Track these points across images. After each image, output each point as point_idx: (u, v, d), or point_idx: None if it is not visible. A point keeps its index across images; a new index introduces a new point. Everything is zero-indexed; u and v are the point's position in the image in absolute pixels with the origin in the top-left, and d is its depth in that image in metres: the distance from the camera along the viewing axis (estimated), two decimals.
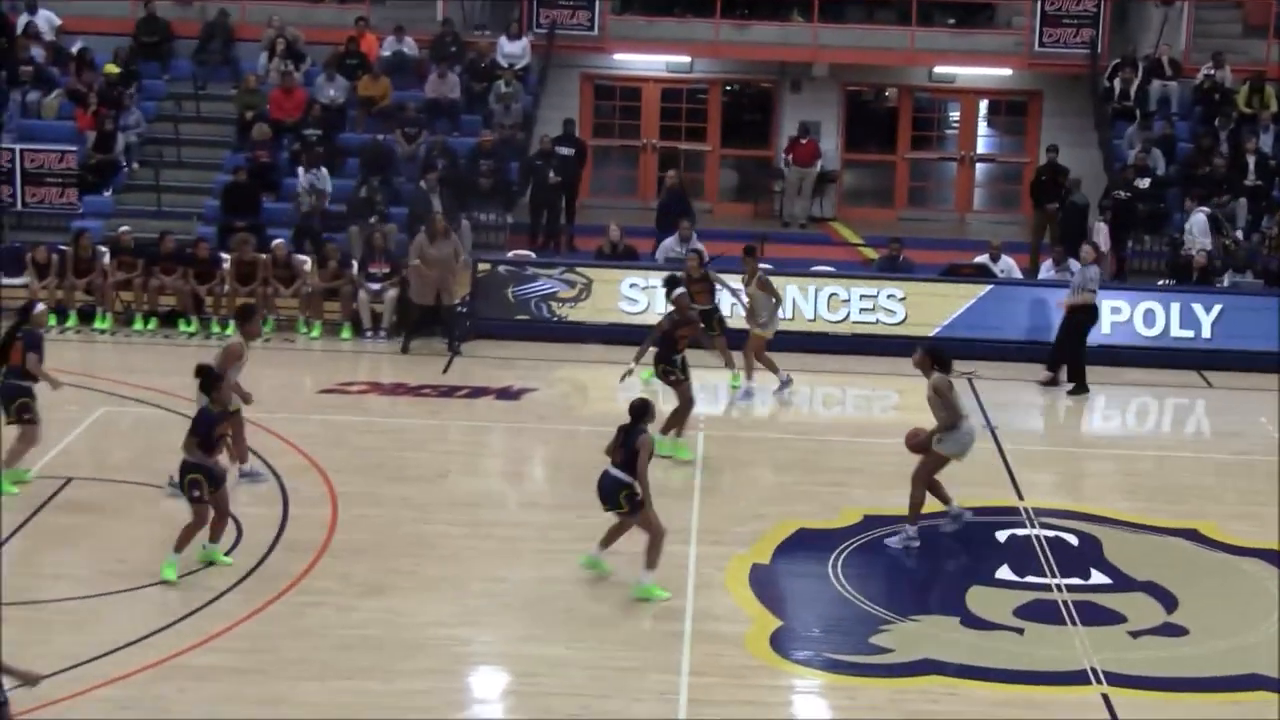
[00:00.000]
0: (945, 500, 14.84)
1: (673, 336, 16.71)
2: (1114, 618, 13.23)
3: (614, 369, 20.60)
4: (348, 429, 17.69)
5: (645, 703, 11.42)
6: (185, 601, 12.74)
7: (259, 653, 11.96)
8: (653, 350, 16.84)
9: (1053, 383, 20.30)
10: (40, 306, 15.92)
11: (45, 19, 27.11)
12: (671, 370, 16.72)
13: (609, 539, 13.52)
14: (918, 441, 14.59)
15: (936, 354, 14.74)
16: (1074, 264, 22.76)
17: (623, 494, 13.06)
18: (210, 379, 13.81)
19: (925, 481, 14.65)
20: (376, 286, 21.84)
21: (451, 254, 21.21)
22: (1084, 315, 20.18)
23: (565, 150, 25.35)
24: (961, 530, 15.09)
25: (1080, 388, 20.11)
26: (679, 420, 16.87)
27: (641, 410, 13.20)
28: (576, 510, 15.21)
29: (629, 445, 13.01)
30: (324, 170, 24.24)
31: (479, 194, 24.81)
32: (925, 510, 14.71)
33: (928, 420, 14.46)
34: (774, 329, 19.48)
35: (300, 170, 24.22)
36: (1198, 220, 23.21)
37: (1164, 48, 26.91)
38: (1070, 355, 20.26)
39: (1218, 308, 21.64)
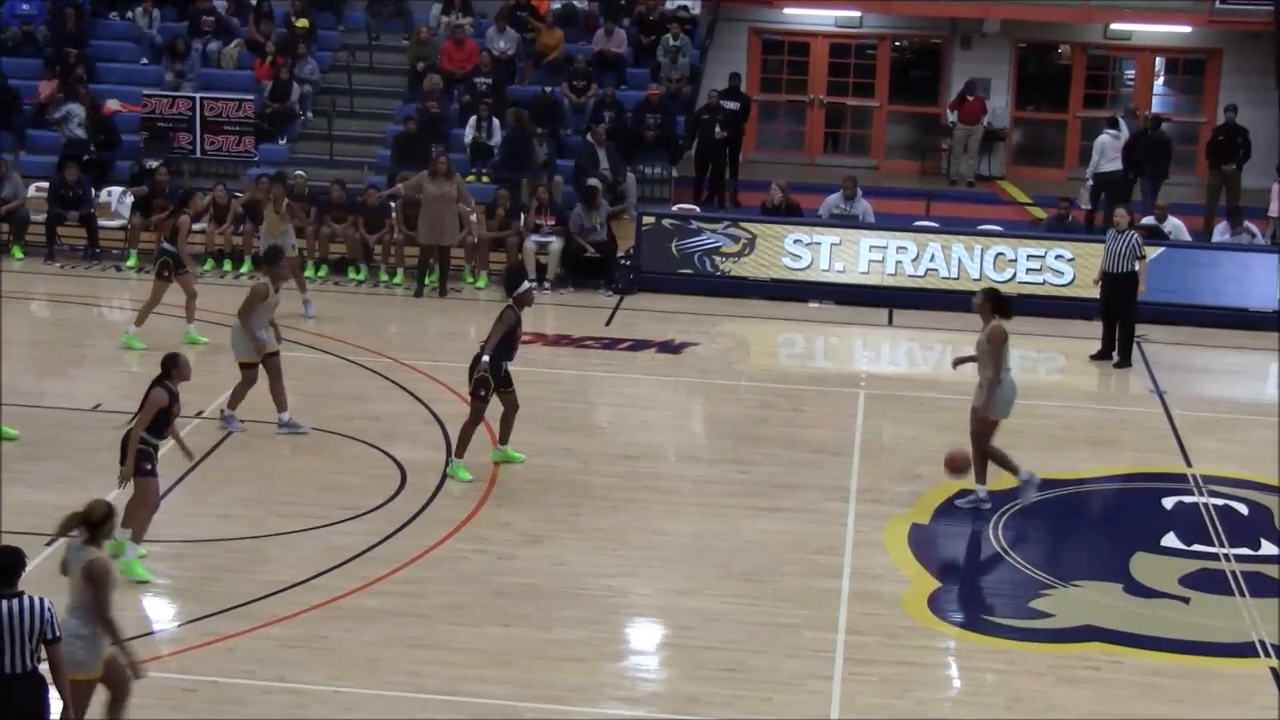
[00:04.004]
0: (1014, 470, 14.35)
1: (515, 335, 14.76)
2: None
3: (777, 325, 20.66)
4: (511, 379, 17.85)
5: (800, 659, 11.42)
6: (351, 545, 12.98)
7: (421, 597, 12.16)
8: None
9: (1105, 356, 19.29)
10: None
11: None
12: (488, 385, 14.54)
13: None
14: (958, 465, 14.11)
15: (999, 300, 14.31)
16: (1251, 225, 22.23)
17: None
18: None
19: (987, 447, 14.24)
20: (543, 238, 22.01)
21: (453, 194, 21.14)
22: (1132, 283, 18.99)
23: (730, 104, 25.27)
24: (1127, 495, 14.82)
25: (1126, 360, 19.14)
26: (507, 428, 15.01)
27: (167, 363, 12.38)
28: (736, 464, 15.25)
29: (143, 398, 12.26)
30: (495, 121, 24.46)
31: (645, 147, 24.86)
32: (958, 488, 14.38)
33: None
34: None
35: (472, 119, 24.41)
36: None
37: None
38: (1126, 327, 19.18)
39: None
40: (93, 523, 9.34)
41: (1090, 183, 24.22)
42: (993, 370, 14.07)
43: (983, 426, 14.27)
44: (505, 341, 14.55)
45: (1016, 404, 14.36)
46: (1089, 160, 24.58)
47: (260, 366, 15.56)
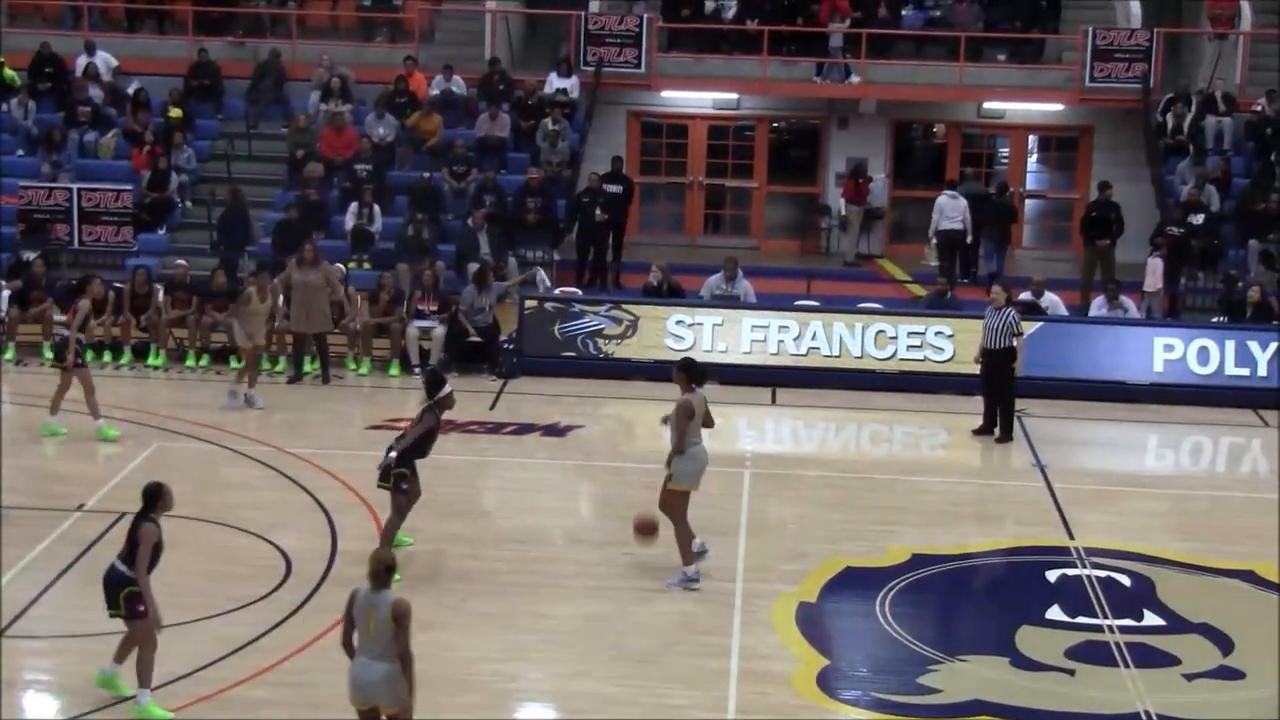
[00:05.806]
0: (687, 557, 14.27)
1: (433, 437, 14.72)
2: (1168, 660, 13.12)
3: (661, 406, 20.64)
4: None
5: None
6: (237, 636, 12.79)
7: (309, 687, 12.00)
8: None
9: (987, 431, 19.53)
10: None
11: (103, 60, 27.50)
12: (407, 478, 14.45)
13: (121, 652, 11.81)
14: (646, 525, 14.05)
15: (692, 370, 14.40)
16: (1126, 300, 22.67)
17: (123, 593, 11.53)
18: None
19: (682, 517, 14.26)
20: (425, 323, 21.96)
21: (320, 282, 21.21)
22: (1010, 360, 19.27)
23: (613, 188, 25.42)
24: (1011, 569, 14.95)
25: (1008, 435, 19.34)
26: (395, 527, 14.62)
27: (152, 495, 11.68)
28: (622, 547, 15.22)
29: (131, 535, 11.61)
30: (376, 207, 24.44)
31: (526, 231, 24.94)
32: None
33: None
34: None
35: (353, 206, 24.40)
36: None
37: (1218, 82, 26.78)
38: (1005, 402, 19.41)
39: (1274, 345, 21.32)
40: (388, 568, 10.33)
41: (934, 240, 25.41)
42: (679, 440, 14.10)
43: (670, 498, 14.29)
44: (422, 441, 14.48)
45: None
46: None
47: None
